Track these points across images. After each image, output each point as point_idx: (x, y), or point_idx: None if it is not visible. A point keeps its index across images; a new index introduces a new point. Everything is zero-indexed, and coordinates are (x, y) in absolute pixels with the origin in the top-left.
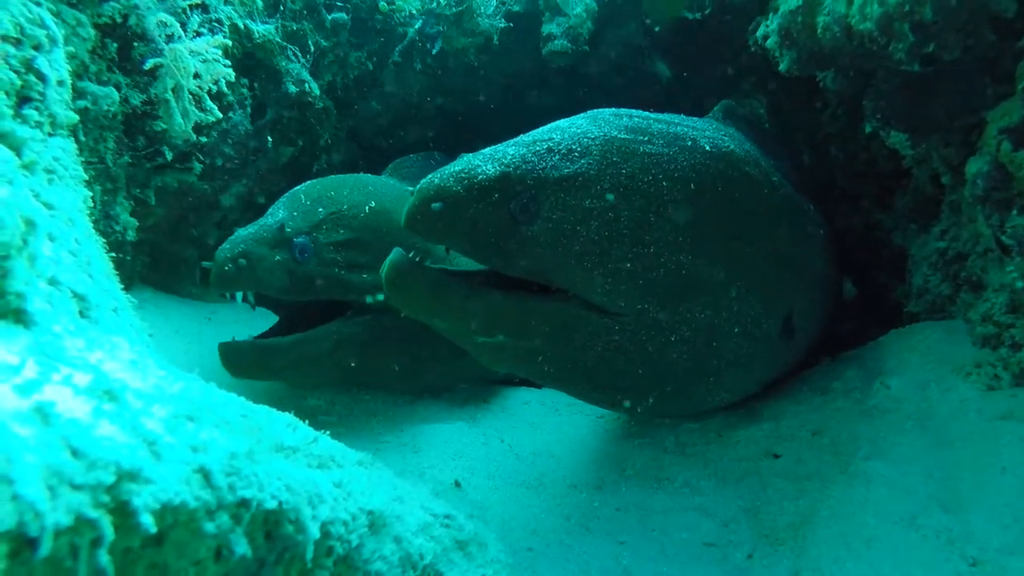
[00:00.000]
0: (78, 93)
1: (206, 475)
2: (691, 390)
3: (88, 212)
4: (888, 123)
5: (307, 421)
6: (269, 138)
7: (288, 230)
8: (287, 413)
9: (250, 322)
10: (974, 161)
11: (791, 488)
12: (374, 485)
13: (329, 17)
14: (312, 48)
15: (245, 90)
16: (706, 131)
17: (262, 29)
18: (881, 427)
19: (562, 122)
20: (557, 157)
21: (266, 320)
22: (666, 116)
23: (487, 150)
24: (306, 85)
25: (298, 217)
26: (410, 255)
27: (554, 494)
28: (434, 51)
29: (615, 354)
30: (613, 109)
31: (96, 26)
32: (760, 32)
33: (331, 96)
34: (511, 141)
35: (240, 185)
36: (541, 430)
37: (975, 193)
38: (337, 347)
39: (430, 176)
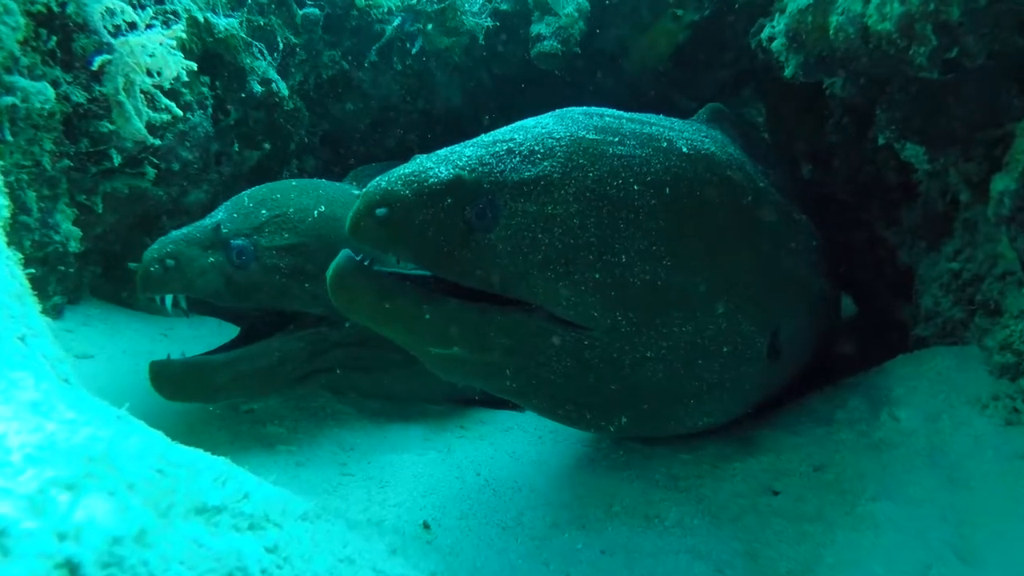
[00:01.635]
0: (5, 88)
1: (73, 570)
2: (670, 412)
3: (3, 225)
4: (903, 135)
5: (243, 469)
6: (232, 141)
7: (224, 231)
8: (222, 459)
9: (211, 338)
10: (1000, 178)
11: (792, 530)
12: (318, 545)
13: (300, 12)
14: (281, 45)
15: (206, 89)
16: (684, 132)
17: (225, 23)
18: (889, 463)
19: (527, 121)
20: (518, 159)
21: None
22: (641, 116)
23: (442, 151)
24: (273, 84)
25: (238, 219)
26: (359, 258)
27: (533, 535)
28: (414, 50)
29: (584, 370)
30: (584, 107)
31: (29, 14)
32: (765, 34)
33: (303, 97)
34: (470, 141)
35: (201, 191)
36: (522, 461)
37: (1000, 213)
38: (280, 364)
39: (377, 179)
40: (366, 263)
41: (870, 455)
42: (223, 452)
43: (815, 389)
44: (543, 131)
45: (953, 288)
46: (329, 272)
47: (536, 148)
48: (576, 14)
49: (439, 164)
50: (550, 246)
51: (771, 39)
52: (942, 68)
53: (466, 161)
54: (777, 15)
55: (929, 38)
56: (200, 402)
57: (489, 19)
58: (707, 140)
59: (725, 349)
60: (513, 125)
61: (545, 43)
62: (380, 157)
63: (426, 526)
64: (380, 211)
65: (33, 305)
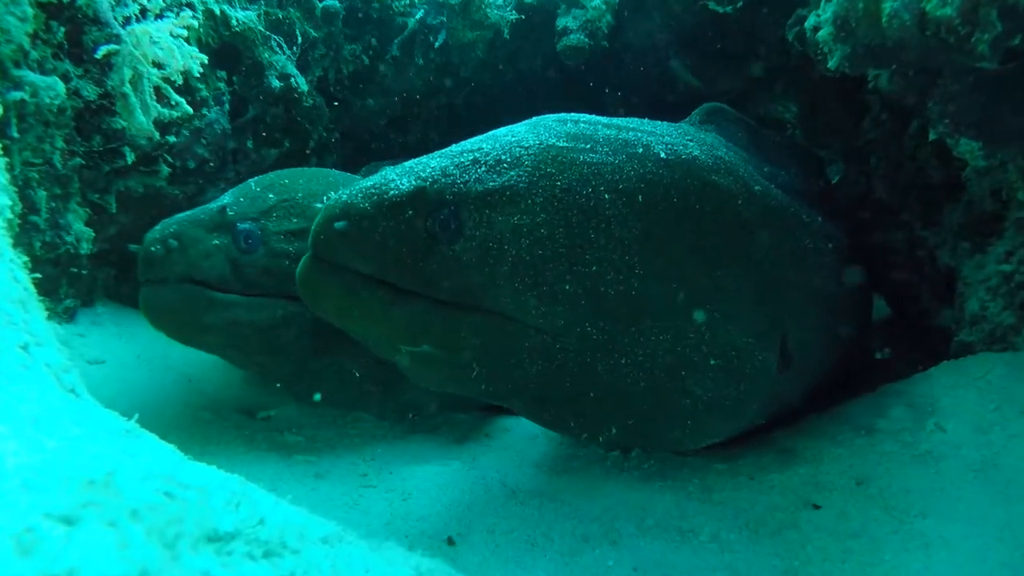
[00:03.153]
0: (13, 83)
1: None
2: (661, 428)
3: (7, 225)
4: (958, 130)
5: (258, 486)
6: (250, 138)
7: (231, 213)
8: (235, 476)
9: None
10: None
11: (835, 548)
12: (339, 573)
13: (320, 5)
14: (300, 39)
15: (222, 84)
16: (665, 137)
17: (242, 16)
18: (938, 477)
19: (499, 130)
20: (483, 169)
21: None
22: (619, 121)
23: (409, 163)
24: (292, 80)
25: (244, 202)
26: None
27: (562, 551)
28: (437, 44)
29: (559, 373)
30: (559, 115)
31: (39, 5)
32: (809, 23)
33: (322, 92)
34: (438, 152)
35: (217, 190)
36: (549, 472)
37: None
38: (283, 324)
39: (340, 192)
40: None
41: (916, 468)
42: (238, 463)
43: (848, 395)
44: (512, 140)
45: (1003, 291)
46: (299, 267)
47: (502, 157)
48: (604, 7)
49: (402, 176)
50: (517, 257)
51: (816, 28)
52: (1003, 57)
53: (429, 172)
54: (823, 2)
55: (994, 24)
56: (187, 339)
57: (514, 12)
58: (691, 144)
59: (712, 361)
60: (484, 135)
61: (571, 37)
62: (401, 154)
63: (451, 542)
64: (339, 224)
65: (38, 311)
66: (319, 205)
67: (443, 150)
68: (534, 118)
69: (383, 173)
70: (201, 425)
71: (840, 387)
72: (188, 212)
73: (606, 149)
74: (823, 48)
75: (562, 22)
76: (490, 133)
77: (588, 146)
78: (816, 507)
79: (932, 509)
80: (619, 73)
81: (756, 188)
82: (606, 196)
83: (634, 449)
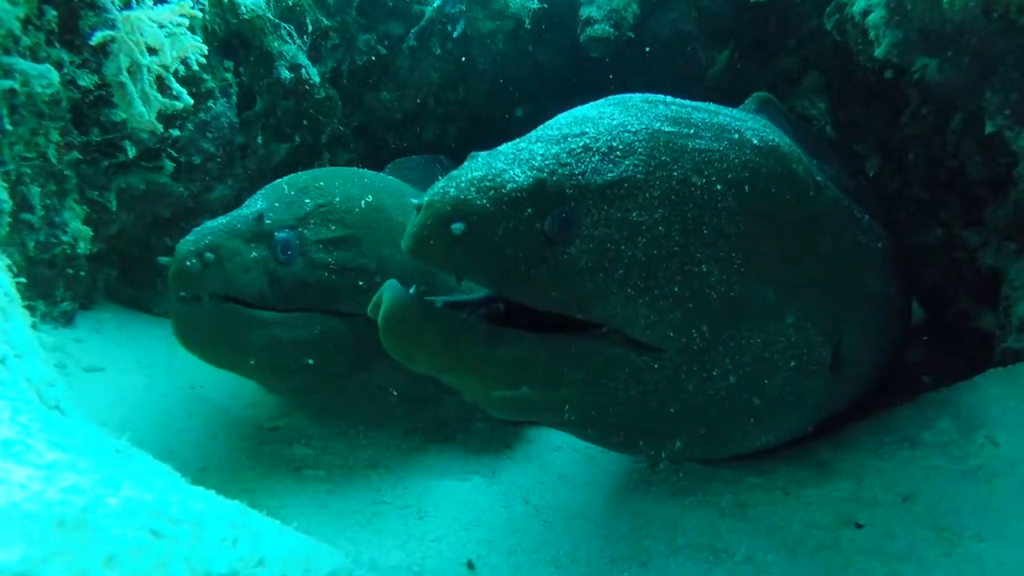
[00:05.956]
0: (3, 71)
1: None
2: (728, 433)
3: None
4: (1019, 121)
5: (260, 514)
6: (259, 132)
7: (268, 221)
8: (235, 505)
9: None
10: None
11: (880, 571)
12: None
13: None
14: (311, 28)
15: (229, 75)
16: (747, 122)
17: (250, 3)
18: (990, 495)
19: (587, 110)
20: (597, 158)
21: None
22: (702, 104)
23: (506, 148)
24: (303, 71)
25: (280, 208)
26: (410, 289)
27: (589, 573)
28: (455, 34)
29: (648, 397)
30: (641, 95)
31: None
32: (858, 7)
33: (335, 85)
34: (531, 136)
35: (224, 187)
36: (573, 485)
37: None
38: (322, 340)
39: (441, 185)
40: (421, 294)
41: (967, 484)
42: (243, 479)
43: (885, 402)
44: (614, 123)
45: None
46: (380, 312)
47: (614, 144)
48: None
49: (511, 165)
50: (632, 258)
51: (866, 12)
52: None
53: (542, 161)
54: None
55: None
56: (224, 362)
57: (536, 1)
58: (768, 130)
59: (792, 363)
60: (572, 115)
61: (596, 27)
62: (417, 150)
63: (471, 565)
64: (457, 226)
65: (20, 319)
66: (358, 210)
67: (539, 133)
68: (615, 97)
69: (482, 160)
70: (204, 437)
71: (878, 394)
72: (222, 219)
73: (708, 135)
74: (871, 35)
75: (586, 11)
76: (578, 114)
77: (692, 131)
78: (858, 526)
79: (987, 531)
80: (645, 65)
81: (819, 179)
82: (718, 187)
83: (662, 462)
